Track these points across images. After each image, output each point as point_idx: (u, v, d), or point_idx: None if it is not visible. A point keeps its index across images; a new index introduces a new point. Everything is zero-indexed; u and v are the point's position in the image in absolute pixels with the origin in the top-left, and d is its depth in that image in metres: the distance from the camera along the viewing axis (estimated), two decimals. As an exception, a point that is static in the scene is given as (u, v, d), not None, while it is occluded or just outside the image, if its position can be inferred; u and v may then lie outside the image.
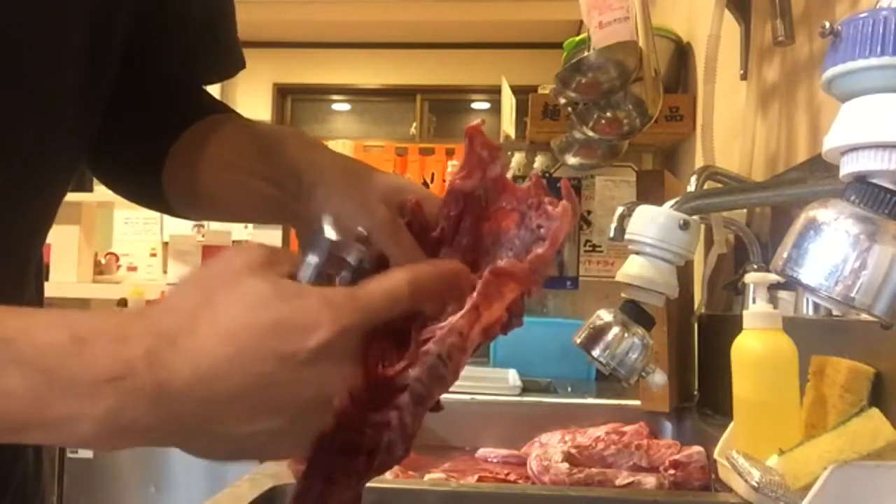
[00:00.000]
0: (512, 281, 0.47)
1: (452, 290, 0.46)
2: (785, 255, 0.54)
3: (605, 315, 0.84)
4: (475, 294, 0.46)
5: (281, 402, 0.40)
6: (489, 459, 1.28)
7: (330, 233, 0.45)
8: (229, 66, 0.75)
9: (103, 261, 3.62)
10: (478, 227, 0.55)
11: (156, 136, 0.68)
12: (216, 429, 0.40)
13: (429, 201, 0.58)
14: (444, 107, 5.66)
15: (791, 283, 0.54)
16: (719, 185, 1.11)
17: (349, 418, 0.43)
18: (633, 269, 0.83)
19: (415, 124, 5.56)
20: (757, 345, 0.89)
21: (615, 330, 0.83)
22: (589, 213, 2.20)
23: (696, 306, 1.50)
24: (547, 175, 2.18)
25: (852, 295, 0.50)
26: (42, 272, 0.71)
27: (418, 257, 0.55)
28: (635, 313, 0.83)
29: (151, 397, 0.38)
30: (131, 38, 0.64)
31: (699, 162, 1.49)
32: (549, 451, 1.13)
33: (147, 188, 0.70)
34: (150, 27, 0.66)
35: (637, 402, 1.41)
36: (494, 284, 0.46)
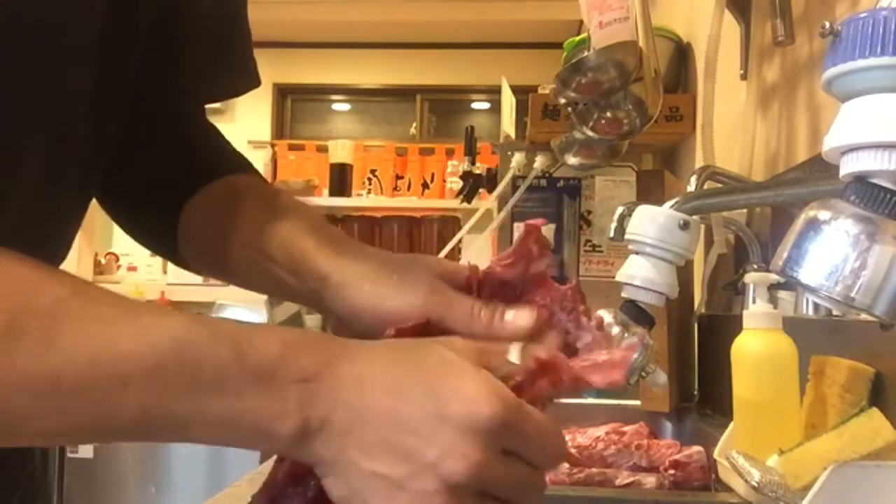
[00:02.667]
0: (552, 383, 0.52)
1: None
2: (785, 255, 0.54)
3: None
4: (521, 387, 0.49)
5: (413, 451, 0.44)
6: (489, 459, 1.27)
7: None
8: (243, 82, 0.75)
9: (103, 261, 3.62)
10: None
11: (172, 189, 0.67)
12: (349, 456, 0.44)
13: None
14: (444, 107, 5.66)
15: (791, 283, 0.54)
16: (719, 185, 1.11)
17: None
18: (633, 269, 0.83)
19: (415, 124, 5.56)
20: (757, 345, 0.89)
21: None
22: (589, 213, 2.20)
23: (696, 306, 1.50)
24: (547, 175, 2.18)
25: (852, 295, 0.50)
26: None
27: (476, 326, 0.54)
28: (635, 313, 0.83)
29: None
30: (148, 51, 0.63)
31: (699, 162, 1.49)
32: (549, 451, 1.13)
33: (161, 242, 0.70)
34: (166, 42, 0.66)
35: (637, 402, 1.41)
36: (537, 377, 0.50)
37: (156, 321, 0.43)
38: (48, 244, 0.62)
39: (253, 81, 0.75)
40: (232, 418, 0.43)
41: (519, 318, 0.54)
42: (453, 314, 0.54)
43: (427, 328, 0.53)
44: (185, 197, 0.66)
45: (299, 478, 0.48)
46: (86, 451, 2.67)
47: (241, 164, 0.70)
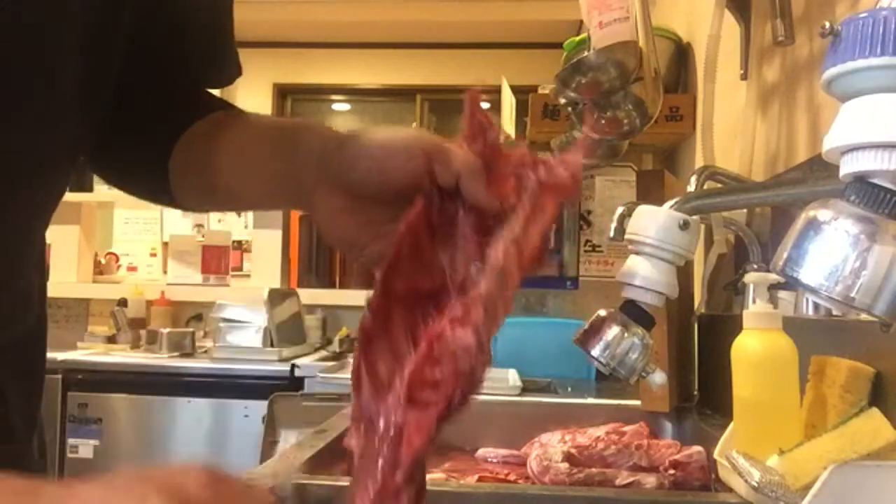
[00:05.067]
0: (553, 192, 0.50)
1: None
2: (785, 255, 0.54)
3: (605, 315, 0.84)
4: (525, 205, 0.48)
5: None
6: (489, 459, 1.28)
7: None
8: (227, 73, 0.76)
9: (103, 261, 3.62)
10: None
11: (160, 132, 0.68)
12: None
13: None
14: (444, 107, 5.65)
15: (791, 283, 0.54)
16: (719, 185, 1.11)
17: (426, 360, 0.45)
18: (633, 269, 0.83)
19: (415, 124, 5.56)
20: (757, 345, 0.89)
21: (615, 330, 0.83)
22: (589, 213, 2.20)
23: (696, 306, 1.50)
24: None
25: (852, 295, 0.50)
26: (44, 268, 0.71)
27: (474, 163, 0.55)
28: (635, 313, 0.83)
29: None
30: (132, 41, 0.64)
31: (699, 162, 1.49)
32: (549, 451, 1.13)
33: (152, 183, 0.70)
34: (150, 34, 0.66)
35: (637, 402, 1.41)
36: (540, 196, 0.49)
37: None
38: (19, 242, 0.62)
39: (235, 71, 0.76)
40: None
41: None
42: (450, 147, 0.55)
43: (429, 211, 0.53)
44: (175, 137, 0.68)
45: None
46: (86, 451, 2.67)
47: (224, 105, 0.72)
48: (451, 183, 0.55)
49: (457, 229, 0.54)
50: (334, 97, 5.83)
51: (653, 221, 0.82)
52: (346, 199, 0.59)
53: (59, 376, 2.65)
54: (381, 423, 0.47)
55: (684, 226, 0.82)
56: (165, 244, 3.61)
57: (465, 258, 0.52)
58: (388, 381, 0.49)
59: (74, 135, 0.62)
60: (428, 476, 1.09)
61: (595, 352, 0.83)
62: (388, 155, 0.56)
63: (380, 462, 0.46)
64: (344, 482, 0.70)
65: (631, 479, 1.08)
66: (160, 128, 0.69)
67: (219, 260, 3.37)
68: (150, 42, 0.66)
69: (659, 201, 0.85)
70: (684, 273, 1.18)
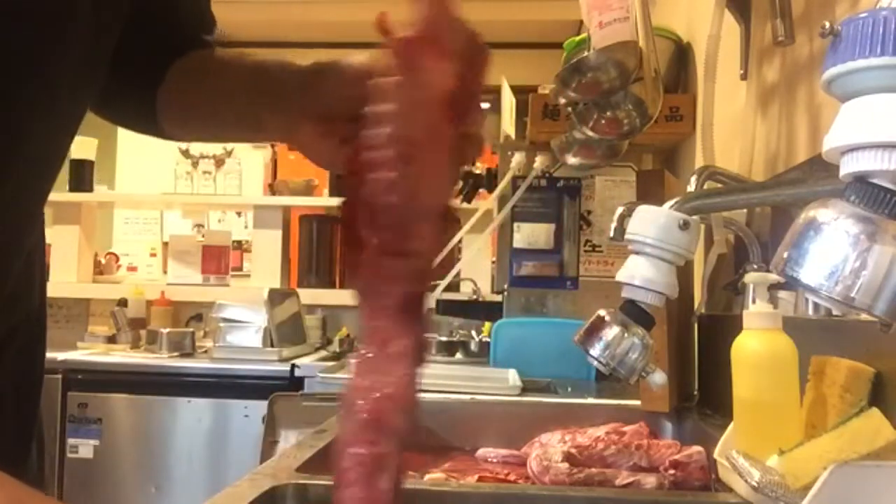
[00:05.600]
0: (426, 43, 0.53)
1: None
2: (785, 255, 0.54)
3: (605, 315, 0.84)
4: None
5: None
6: (489, 459, 1.28)
7: None
8: (206, 29, 0.81)
9: (103, 261, 3.62)
10: None
11: (148, 69, 0.75)
12: None
13: None
14: (444, 107, 5.65)
15: (791, 283, 0.54)
16: (719, 185, 1.11)
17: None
18: (633, 269, 0.83)
19: (415, 124, 5.55)
20: (757, 345, 0.89)
21: (615, 330, 0.83)
22: (589, 213, 2.20)
23: (696, 306, 1.50)
24: (547, 175, 2.18)
25: (852, 295, 0.50)
26: (44, 264, 0.71)
27: None
28: (635, 313, 0.83)
29: None
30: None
31: (699, 162, 1.49)
32: (549, 451, 1.13)
33: (142, 114, 0.77)
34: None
35: (637, 402, 1.41)
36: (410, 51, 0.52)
37: None
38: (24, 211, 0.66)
39: (214, 22, 0.81)
40: None
41: None
42: None
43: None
44: (161, 74, 0.74)
45: None
46: (86, 451, 2.67)
47: (204, 39, 0.79)
48: None
49: None
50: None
51: (653, 221, 0.82)
52: (327, 123, 0.63)
53: (59, 376, 2.65)
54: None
55: (684, 226, 0.82)
56: (165, 244, 3.61)
57: None
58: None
59: (74, 104, 0.66)
60: (428, 476, 1.09)
61: (595, 352, 0.83)
62: (363, 78, 0.59)
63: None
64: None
65: (631, 479, 1.08)
66: (149, 64, 0.75)
67: (219, 260, 3.37)
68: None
69: (659, 201, 0.85)
70: (684, 273, 1.18)
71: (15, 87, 0.56)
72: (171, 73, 0.75)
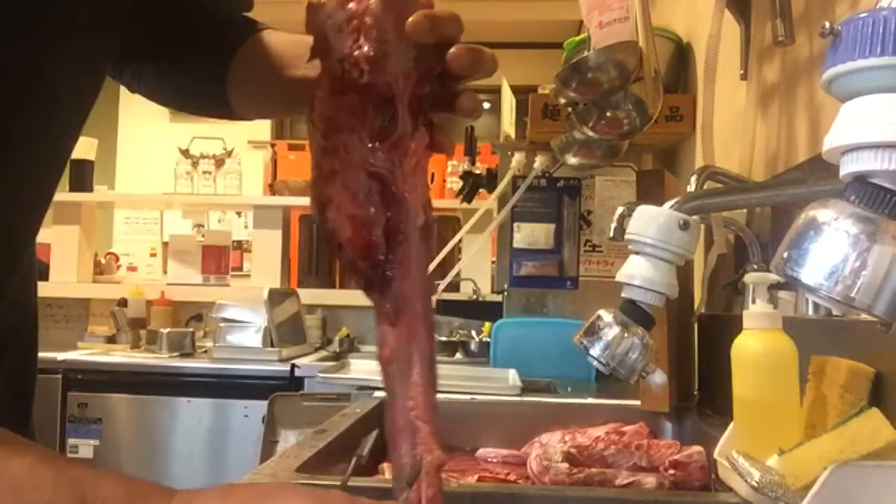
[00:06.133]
0: None
1: None
2: (785, 255, 0.54)
3: (605, 315, 0.84)
4: None
5: None
6: (489, 459, 1.28)
7: None
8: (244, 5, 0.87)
9: (103, 261, 3.62)
10: None
11: (215, 54, 0.81)
12: None
13: None
14: (444, 107, 5.64)
15: (791, 283, 0.54)
16: (719, 185, 1.11)
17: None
18: (633, 269, 0.83)
19: (415, 124, 5.55)
20: (757, 345, 0.89)
21: (615, 330, 0.83)
22: (589, 213, 2.20)
23: (696, 306, 1.50)
24: (547, 175, 2.18)
25: (852, 295, 0.50)
26: (35, 267, 0.72)
27: None
28: (635, 313, 0.83)
29: None
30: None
31: (699, 162, 1.49)
32: (549, 451, 1.13)
33: (211, 97, 0.83)
34: None
35: (637, 402, 1.41)
36: None
37: (2, 462, 0.45)
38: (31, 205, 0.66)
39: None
40: None
41: None
42: None
43: None
44: (229, 58, 0.80)
45: None
46: (86, 451, 2.67)
47: (255, 25, 0.85)
48: None
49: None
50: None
51: (653, 221, 0.82)
52: None
53: (59, 376, 2.65)
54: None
55: (684, 226, 0.82)
56: (165, 244, 3.61)
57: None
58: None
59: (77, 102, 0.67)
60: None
61: (595, 352, 0.83)
62: None
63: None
64: (346, 483, 0.71)
65: (631, 479, 1.08)
66: (214, 49, 0.81)
67: (219, 260, 3.37)
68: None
69: (659, 201, 0.85)
70: (684, 273, 1.18)
71: (14, 93, 0.56)
72: (237, 60, 0.81)
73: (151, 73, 0.83)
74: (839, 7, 1.10)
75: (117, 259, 3.69)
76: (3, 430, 0.48)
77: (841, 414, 0.80)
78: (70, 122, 0.66)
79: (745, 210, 1.34)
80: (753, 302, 0.91)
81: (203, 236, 3.63)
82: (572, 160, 1.96)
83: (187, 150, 3.63)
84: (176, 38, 0.80)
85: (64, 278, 3.30)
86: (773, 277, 0.89)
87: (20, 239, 0.65)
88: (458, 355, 2.65)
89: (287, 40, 0.81)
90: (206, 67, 0.81)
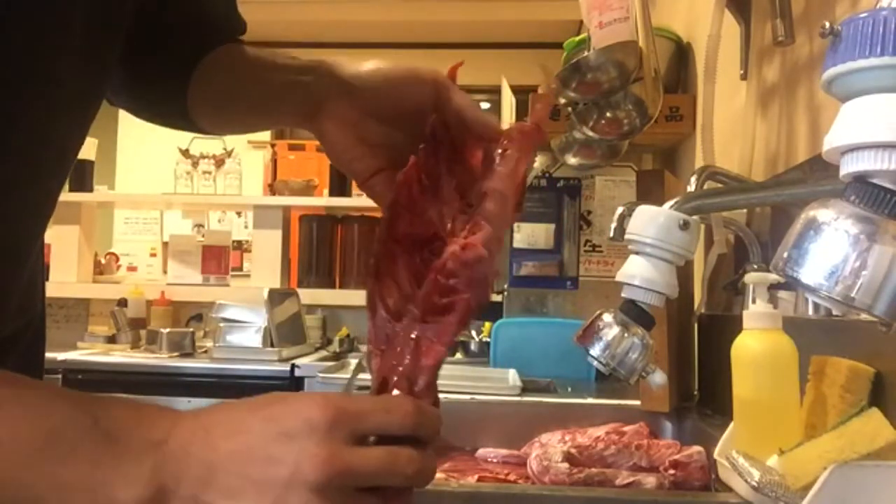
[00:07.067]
0: (529, 138, 0.58)
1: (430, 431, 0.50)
2: (785, 255, 0.54)
3: (605, 315, 0.84)
4: (511, 149, 0.57)
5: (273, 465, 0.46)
6: (489, 459, 1.28)
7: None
8: (233, 27, 0.80)
9: (103, 261, 3.62)
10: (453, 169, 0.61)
11: (177, 65, 0.74)
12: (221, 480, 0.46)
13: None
14: (444, 107, 5.64)
15: (791, 283, 0.54)
16: (719, 185, 1.11)
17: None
18: (633, 269, 0.83)
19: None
20: (757, 345, 0.89)
21: (615, 330, 0.83)
22: (589, 213, 2.20)
23: (696, 306, 1.50)
24: (547, 175, 2.18)
25: (852, 295, 0.50)
26: (42, 264, 0.72)
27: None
28: (635, 313, 0.83)
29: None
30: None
31: (699, 162, 1.49)
32: (549, 451, 1.13)
33: (171, 108, 0.76)
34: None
35: (637, 402, 1.41)
36: (521, 140, 0.58)
37: (14, 393, 0.47)
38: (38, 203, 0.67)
39: (240, 28, 0.80)
40: (87, 486, 0.45)
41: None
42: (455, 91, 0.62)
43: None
44: (190, 70, 0.74)
45: None
46: (86, 451, 2.67)
47: (233, 30, 0.78)
48: (453, 114, 0.61)
49: (441, 189, 0.60)
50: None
51: (653, 221, 0.82)
52: (355, 113, 0.64)
53: (59, 376, 2.65)
54: (401, 338, 0.54)
55: (684, 226, 0.82)
56: (165, 244, 3.60)
57: (450, 212, 0.58)
58: (401, 310, 0.55)
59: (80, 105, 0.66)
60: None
61: (595, 352, 0.83)
62: (402, 77, 0.64)
63: (400, 369, 0.52)
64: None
65: (631, 479, 1.08)
66: (177, 60, 0.74)
67: (219, 260, 3.37)
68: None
69: (659, 201, 0.85)
70: (684, 273, 1.18)
71: (14, 95, 0.56)
72: (200, 69, 0.75)
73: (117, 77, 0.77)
74: (839, 7, 1.10)
75: (117, 259, 3.69)
76: (9, 373, 0.48)
77: (841, 414, 0.80)
78: (74, 123, 0.66)
79: (745, 210, 1.34)
80: (753, 302, 0.91)
81: (203, 236, 3.63)
82: (572, 160, 1.97)
83: (187, 150, 3.62)
84: (137, 48, 0.74)
85: (64, 278, 3.30)
86: (773, 277, 0.89)
87: (26, 242, 0.65)
88: (458, 355, 2.65)
89: (253, 55, 0.74)
90: (165, 73, 0.76)
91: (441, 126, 0.61)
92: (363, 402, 0.48)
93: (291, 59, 0.70)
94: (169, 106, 0.77)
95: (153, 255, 3.71)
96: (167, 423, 0.47)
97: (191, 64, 0.74)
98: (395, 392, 0.52)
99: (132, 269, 3.69)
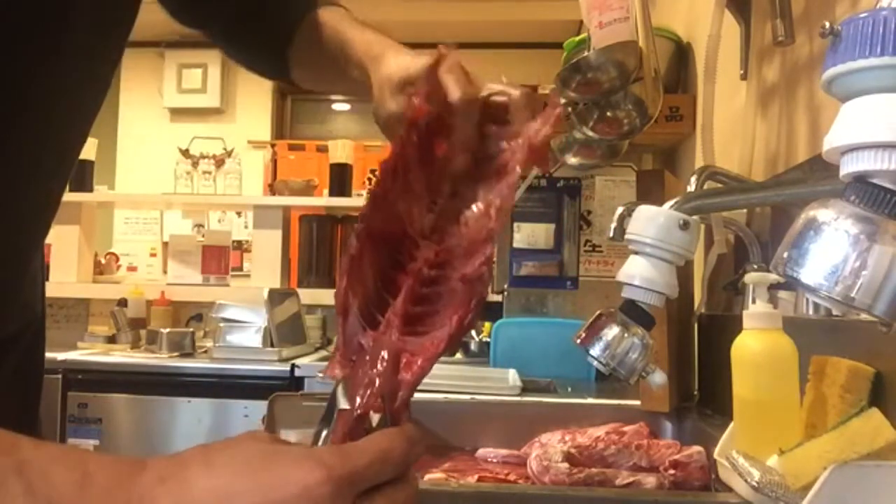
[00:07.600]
0: (534, 156, 0.58)
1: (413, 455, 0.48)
2: (785, 255, 0.54)
3: (605, 315, 0.84)
4: (513, 161, 0.57)
5: None
6: (489, 459, 1.28)
7: (342, 403, 0.50)
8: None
9: (103, 261, 3.62)
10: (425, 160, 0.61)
11: (279, 25, 0.89)
12: None
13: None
14: (444, 107, 5.64)
15: (791, 283, 0.54)
16: (719, 185, 1.11)
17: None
18: (633, 269, 0.83)
19: (415, 124, 5.54)
20: (757, 345, 0.89)
21: (615, 330, 0.83)
22: (589, 213, 2.20)
23: (696, 306, 1.50)
24: (547, 175, 2.18)
25: (852, 295, 0.50)
26: (43, 269, 0.72)
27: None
28: (635, 313, 0.83)
29: None
30: None
31: (699, 162, 1.49)
32: (549, 451, 1.13)
33: (274, 65, 0.92)
34: None
35: (637, 402, 1.41)
36: (528, 155, 0.57)
37: None
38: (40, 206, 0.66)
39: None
40: None
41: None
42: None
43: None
44: (292, 30, 0.89)
45: None
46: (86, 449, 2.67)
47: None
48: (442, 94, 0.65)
49: (411, 183, 0.58)
50: (334, 97, 5.83)
51: (653, 221, 0.82)
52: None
53: (59, 376, 2.65)
54: (375, 350, 0.51)
55: (684, 226, 0.82)
56: (165, 244, 3.60)
57: (419, 209, 0.57)
58: (374, 315, 0.53)
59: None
60: (428, 476, 1.09)
61: (595, 352, 0.83)
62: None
63: (376, 385, 0.49)
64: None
65: (631, 479, 1.08)
66: (278, 22, 0.89)
67: (219, 260, 3.37)
68: None
69: (659, 201, 0.85)
70: (684, 273, 1.18)
71: (13, 95, 0.56)
72: (299, 33, 0.88)
73: (221, 36, 0.92)
74: (839, 7, 1.10)
75: (117, 259, 3.69)
76: None
77: (841, 414, 0.80)
78: (75, 123, 0.66)
79: (745, 210, 1.34)
80: (753, 302, 0.91)
81: (203, 236, 3.63)
82: (572, 160, 1.96)
83: (187, 150, 3.63)
84: (235, 17, 0.89)
85: (64, 278, 3.30)
86: (773, 277, 0.89)
87: (28, 243, 0.65)
88: (458, 355, 2.65)
89: (338, 41, 0.88)
90: (265, 45, 0.90)
91: (419, 112, 0.60)
92: (357, 456, 0.45)
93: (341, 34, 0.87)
94: (273, 67, 0.92)
95: (153, 255, 3.71)
96: (132, 497, 0.41)
97: (287, 33, 0.88)
98: (372, 414, 0.49)
99: (132, 269, 3.69)
